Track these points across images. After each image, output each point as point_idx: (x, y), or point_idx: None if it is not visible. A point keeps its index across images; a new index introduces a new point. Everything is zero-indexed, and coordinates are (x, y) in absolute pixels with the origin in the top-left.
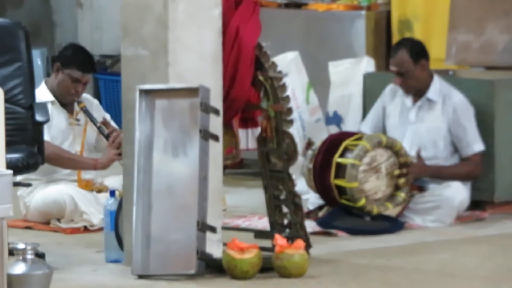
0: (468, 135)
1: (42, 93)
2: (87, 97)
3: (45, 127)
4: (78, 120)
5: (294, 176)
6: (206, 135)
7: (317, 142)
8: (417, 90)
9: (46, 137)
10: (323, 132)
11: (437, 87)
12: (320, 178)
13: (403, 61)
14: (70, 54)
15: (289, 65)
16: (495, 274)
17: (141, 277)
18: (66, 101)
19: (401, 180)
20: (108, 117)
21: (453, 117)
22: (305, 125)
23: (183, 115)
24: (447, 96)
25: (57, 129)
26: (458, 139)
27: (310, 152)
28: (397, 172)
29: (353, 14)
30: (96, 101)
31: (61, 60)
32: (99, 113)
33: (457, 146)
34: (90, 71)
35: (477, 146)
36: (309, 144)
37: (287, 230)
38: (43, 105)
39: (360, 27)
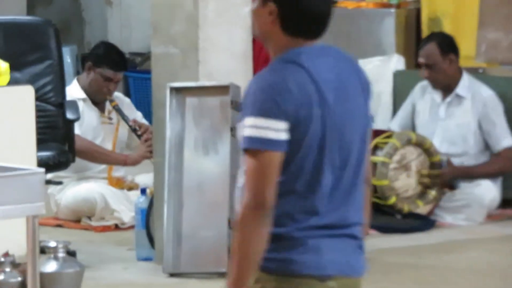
0: (498, 130)
1: (74, 91)
2: (119, 96)
3: (77, 123)
4: (110, 118)
5: None
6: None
7: None
8: (444, 85)
9: (78, 131)
10: None
11: (466, 83)
12: None
13: (431, 53)
14: (102, 52)
15: None
16: None
17: (172, 275)
18: (98, 100)
19: (431, 181)
20: (140, 115)
21: (483, 113)
22: None
23: (213, 113)
24: (476, 92)
25: (88, 126)
26: (488, 134)
27: None
28: (425, 172)
29: (383, 11)
30: (127, 100)
31: (93, 59)
32: (131, 111)
33: (487, 142)
34: (122, 70)
35: (507, 141)
36: None
37: None
38: (74, 103)
39: (389, 24)
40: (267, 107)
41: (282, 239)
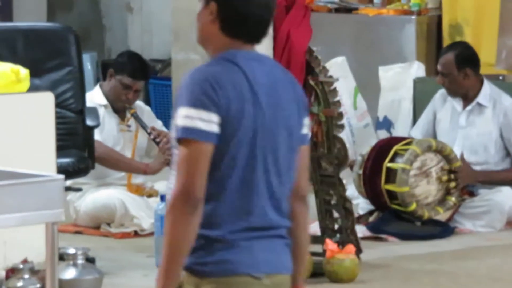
0: None
1: (97, 96)
2: (139, 104)
3: (97, 130)
4: (129, 126)
5: (344, 181)
6: None
7: (366, 148)
8: (458, 95)
9: (98, 137)
10: (372, 137)
11: (487, 91)
12: (370, 184)
13: (447, 63)
14: (124, 60)
15: (336, 70)
16: None
17: None
18: (118, 107)
19: (452, 184)
20: (160, 124)
21: (504, 121)
22: (354, 131)
23: None
24: (497, 101)
25: (109, 133)
26: (510, 143)
27: (359, 158)
28: (445, 178)
29: (404, 18)
30: (148, 108)
31: (114, 66)
32: (151, 120)
33: (509, 151)
34: (141, 79)
35: None
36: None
37: (338, 235)
38: (94, 110)
39: (410, 31)
40: (199, 98)
41: (215, 242)
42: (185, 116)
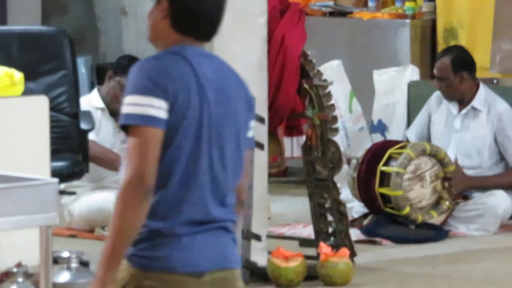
0: None
1: (94, 99)
2: None
3: (93, 132)
4: None
5: (339, 185)
6: None
7: (361, 152)
8: (455, 99)
9: (94, 138)
10: (367, 141)
11: (482, 96)
12: (364, 187)
13: (443, 67)
14: (125, 62)
15: (331, 74)
16: None
17: None
18: (114, 110)
19: (445, 195)
20: None
21: (498, 126)
22: (348, 134)
23: None
24: (492, 105)
25: (105, 136)
26: (504, 148)
27: (354, 161)
28: (439, 186)
29: (398, 22)
30: None
31: (114, 67)
32: None
33: (503, 156)
34: None
35: None
36: (349, 160)
37: (332, 239)
38: (88, 113)
39: (404, 35)
40: (147, 86)
41: (158, 235)
42: (132, 103)
